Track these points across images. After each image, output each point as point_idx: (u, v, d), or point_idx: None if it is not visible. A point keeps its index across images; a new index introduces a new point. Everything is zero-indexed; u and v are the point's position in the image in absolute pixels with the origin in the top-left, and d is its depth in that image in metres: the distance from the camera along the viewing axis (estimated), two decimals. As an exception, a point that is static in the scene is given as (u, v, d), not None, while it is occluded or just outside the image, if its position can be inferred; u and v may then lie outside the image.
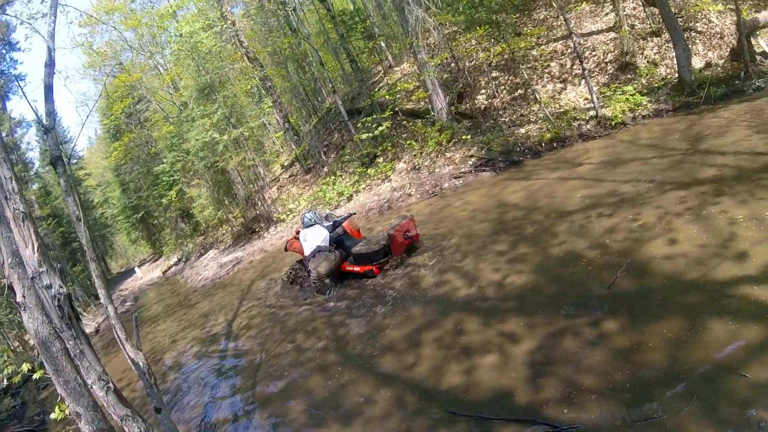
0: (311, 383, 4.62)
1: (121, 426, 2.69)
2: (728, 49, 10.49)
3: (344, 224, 7.96)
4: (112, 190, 33.50)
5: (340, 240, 7.67)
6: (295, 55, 19.73)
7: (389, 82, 17.12)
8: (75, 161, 32.27)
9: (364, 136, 14.46)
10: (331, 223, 7.90)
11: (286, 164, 21.85)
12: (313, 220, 7.76)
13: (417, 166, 12.75)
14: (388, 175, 13.46)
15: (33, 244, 2.57)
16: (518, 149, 10.72)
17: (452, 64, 14.78)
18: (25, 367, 4.52)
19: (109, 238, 36.00)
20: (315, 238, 7.56)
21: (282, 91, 20.81)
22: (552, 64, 13.00)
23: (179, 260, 23.12)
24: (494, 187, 9.01)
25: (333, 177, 15.86)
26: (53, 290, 2.57)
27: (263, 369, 5.48)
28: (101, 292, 3.57)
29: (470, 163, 11.24)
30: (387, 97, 15.23)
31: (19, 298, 2.52)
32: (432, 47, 13.76)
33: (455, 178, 10.97)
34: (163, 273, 24.25)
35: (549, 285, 4.46)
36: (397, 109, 14.58)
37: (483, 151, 11.35)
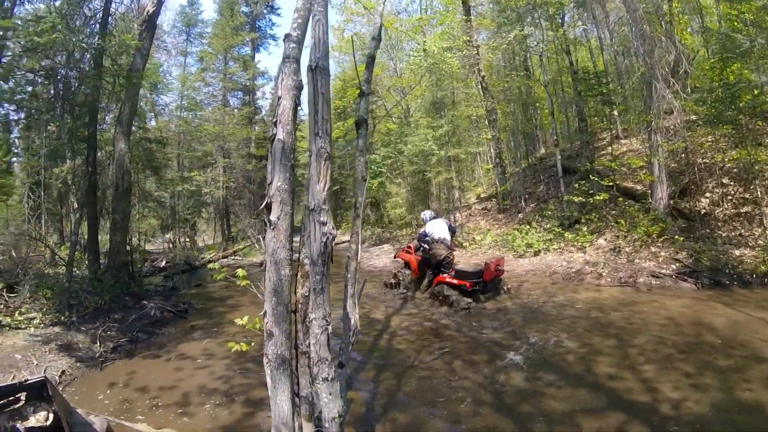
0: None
1: (311, 364, 2.87)
2: None
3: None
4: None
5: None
6: (524, 98, 20.12)
7: (614, 153, 16.27)
8: (298, 122, 36.95)
9: (577, 199, 14.14)
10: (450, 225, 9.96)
11: (482, 196, 22.20)
12: (434, 215, 10.16)
13: (617, 249, 12.03)
14: (585, 247, 12.96)
15: (325, 182, 2.78)
16: (728, 271, 9.67)
17: (682, 155, 13.64)
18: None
19: (299, 196, 40.68)
20: (441, 229, 9.57)
21: (502, 128, 20.82)
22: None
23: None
24: (695, 302, 8.35)
25: (527, 226, 15.77)
26: (326, 228, 2.72)
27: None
28: (353, 247, 3.76)
29: (674, 267, 10.37)
30: (608, 166, 14.57)
31: (273, 217, 2.67)
32: (668, 132, 12.88)
33: (653, 276, 10.20)
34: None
35: (724, 427, 4.16)
36: (613, 183, 13.92)
37: (691, 260, 10.40)
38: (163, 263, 15.09)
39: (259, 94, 28.22)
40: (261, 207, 2.79)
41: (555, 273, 11.57)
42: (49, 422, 2.21)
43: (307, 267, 2.91)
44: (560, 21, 17.01)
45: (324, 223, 2.83)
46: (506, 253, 14.46)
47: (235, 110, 24.60)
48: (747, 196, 11.58)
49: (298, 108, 2.93)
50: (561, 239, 13.74)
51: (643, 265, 10.78)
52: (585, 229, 13.61)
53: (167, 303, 9.49)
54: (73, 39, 8.29)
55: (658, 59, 12.19)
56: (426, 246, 9.49)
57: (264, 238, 2.82)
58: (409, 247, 10.72)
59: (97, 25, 10.01)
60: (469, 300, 8.68)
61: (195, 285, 12.65)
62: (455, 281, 8.86)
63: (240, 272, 3.55)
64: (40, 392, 2.22)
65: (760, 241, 10.23)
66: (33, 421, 2.20)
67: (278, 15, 29.04)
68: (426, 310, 8.89)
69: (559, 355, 6.12)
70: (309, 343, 2.93)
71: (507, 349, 6.50)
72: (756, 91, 11.13)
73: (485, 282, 8.76)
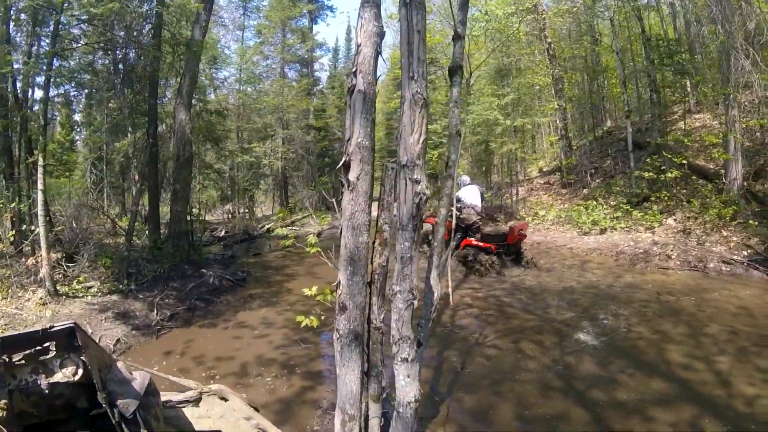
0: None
1: (392, 342, 2.60)
2: None
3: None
4: (378, 131, 37.52)
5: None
6: (593, 67, 18.94)
7: (686, 128, 15.21)
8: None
9: (647, 175, 13.23)
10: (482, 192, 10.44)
11: (544, 170, 21.28)
12: (470, 182, 10.53)
13: (687, 230, 11.36)
14: (653, 226, 12.30)
15: (420, 133, 2.44)
16: None
17: (757, 134, 12.73)
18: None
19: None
20: (473, 196, 10.01)
21: (568, 99, 19.69)
22: None
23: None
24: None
25: (593, 202, 15.05)
26: (419, 187, 2.42)
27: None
28: (442, 212, 3.40)
29: (745, 253, 9.69)
30: (681, 141, 13.47)
31: (351, 177, 2.40)
32: (747, 107, 12.04)
33: (724, 262, 9.54)
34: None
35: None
36: (685, 160, 12.76)
37: (763, 247, 9.67)
38: (223, 233, 15.46)
39: (317, 65, 28.27)
40: (338, 166, 2.52)
41: (621, 253, 10.94)
42: (77, 377, 1.90)
43: (386, 233, 2.63)
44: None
45: (417, 181, 2.49)
46: (570, 230, 14.04)
47: (294, 82, 24.67)
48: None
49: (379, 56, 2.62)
50: (628, 217, 13.06)
51: (714, 249, 10.18)
52: (655, 207, 12.81)
53: (226, 271, 9.56)
54: (130, 6, 8.24)
55: (738, 27, 11.18)
56: (457, 211, 9.60)
57: (338, 201, 2.57)
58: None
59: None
60: (494, 258, 9.36)
61: (253, 254, 12.82)
62: (481, 243, 9.49)
63: (311, 239, 3.33)
64: (69, 341, 1.85)
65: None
66: (59, 376, 1.89)
67: (334, -16, 28.47)
68: (489, 285, 8.60)
69: (630, 340, 5.77)
70: (384, 318, 2.68)
71: (576, 331, 6.14)
72: None
73: (509, 245, 9.42)
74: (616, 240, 12.09)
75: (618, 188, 15.11)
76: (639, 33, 16.51)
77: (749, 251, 9.66)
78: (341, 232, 2.49)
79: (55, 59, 7.61)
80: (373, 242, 2.64)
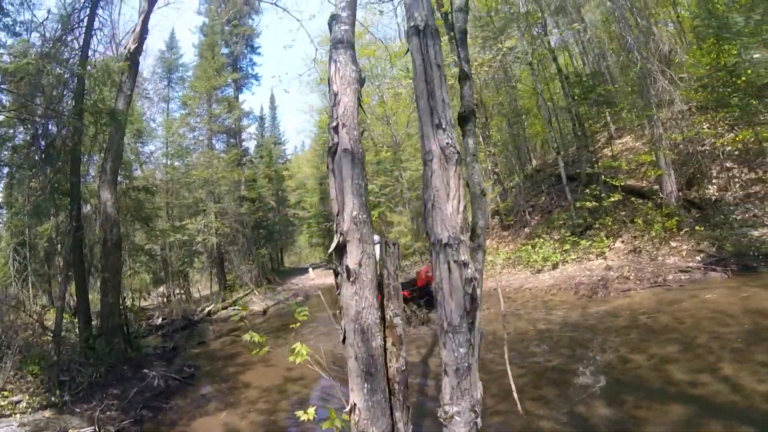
0: None
1: None
2: None
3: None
4: (310, 196, 36.97)
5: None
6: (515, 110, 19.91)
7: (612, 153, 16.06)
8: (282, 161, 36.24)
9: (589, 204, 13.58)
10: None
11: None
12: (379, 240, 10.86)
13: (637, 249, 11.62)
14: (604, 252, 12.42)
15: (459, 200, 1.92)
16: (752, 253, 9.29)
17: (681, 146, 13.44)
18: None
19: (292, 236, 39.70)
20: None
21: (494, 143, 20.50)
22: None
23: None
24: (732, 290, 7.92)
25: (538, 239, 15.14)
26: (469, 271, 1.88)
27: None
28: (477, 292, 2.89)
29: (698, 258, 10.02)
30: (614, 166, 14.25)
31: (350, 263, 1.88)
32: (666, 124, 12.88)
33: (681, 271, 9.78)
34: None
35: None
36: (618, 183, 13.48)
37: (713, 249, 10.07)
38: (160, 320, 13.91)
39: (244, 135, 27.72)
40: (330, 249, 1.98)
41: (580, 284, 10.89)
42: None
43: (398, 329, 2.09)
44: (542, 29, 16.79)
45: (465, 264, 1.95)
46: (522, 270, 13.91)
47: (222, 154, 23.88)
48: (753, 176, 11.34)
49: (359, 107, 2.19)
50: (577, 248, 13.18)
51: (667, 261, 10.45)
52: (601, 234, 13.03)
53: (170, 369, 8.43)
54: (47, 68, 7.41)
55: (653, 52, 12.11)
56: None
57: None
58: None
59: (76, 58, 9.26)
60: (414, 307, 9.65)
61: (197, 342, 11.45)
62: None
63: (298, 313, 2.73)
64: None
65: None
66: None
67: (259, 54, 28.90)
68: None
69: (630, 371, 5.57)
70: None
71: (572, 376, 5.80)
72: (749, 71, 10.89)
73: (419, 288, 9.74)
74: (570, 272, 12.07)
75: (560, 222, 15.38)
76: (555, 73, 17.66)
77: (702, 255, 9.98)
78: (344, 337, 1.93)
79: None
80: (384, 343, 2.07)
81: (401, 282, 9.17)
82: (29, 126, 9.17)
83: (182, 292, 19.73)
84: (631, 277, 10.24)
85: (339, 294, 1.93)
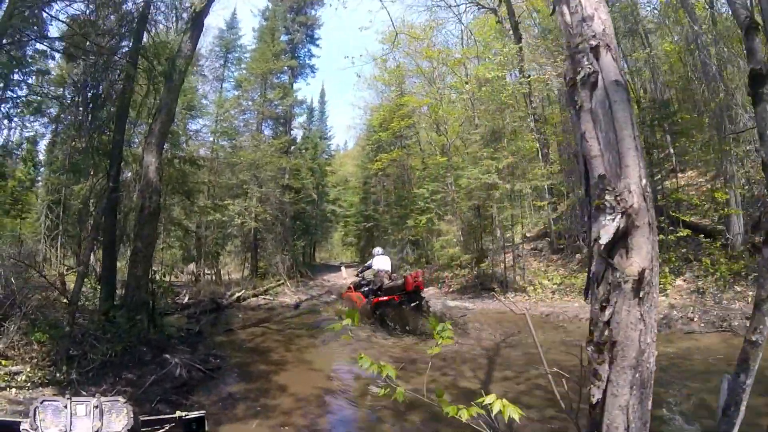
0: None
1: None
2: None
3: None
4: (351, 195, 36.18)
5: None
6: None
7: (673, 186, 14.82)
8: (326, 156, 35.55)
9: (660, 237, 11.98)
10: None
11: (527, 235, 20.01)
12: (382, 252, 12.06)
13: (700, 290, 11.06)
14: (666, 289, 11.63)
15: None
16: None
17: (747, 185, 12.68)
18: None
19: (327, 232, 39.00)
20: (384, 263, 11.48)
21: (554, 161, 19.29)
22: None
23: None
24: None
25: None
26: None
27: None
28: None
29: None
30: (686, 200, 13.67)
31: (637, 266, 0.95)
32: (744, 161, 12.27)
33: (747, 318, 8.10)
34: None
35: None
36: (686, 219, 12.89)
37: None
38: (187, 298, 13.14)
39: (294, 123, 27.26)
40: (605, 240, 1.02)
41: None
42: None
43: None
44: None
45: None
46: (576, 298, 12.98)
47: (271, 139, 23.40)
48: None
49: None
50: None
51: (732, 306, 9.93)
52: (666, 269, 12.02)
53: (194, 357, 7.31)
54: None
55: (739, 85, 11.36)
56: (370, 275, 11.42)
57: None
58: (349, 287, 12.36)
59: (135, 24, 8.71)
60: (400, 311, 10.18)
61: (225, 330, 10.42)
62: (385, 297, 10.41)
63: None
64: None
65: None
66: None
67: (317, 46, 28.19)
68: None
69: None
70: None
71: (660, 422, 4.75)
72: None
73: (408, 292, 10.03)
74: None
75: None
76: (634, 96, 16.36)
77: None
78: (603, 397, 0.95)
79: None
80: None
81: (390, 286, 10.55)
82: (79, 77, 8.65)
83: (213, 272, 19.07)
84: (695, 319, 9.72)
85: (602, 317, 0.94)
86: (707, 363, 6.86)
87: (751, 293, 9.69)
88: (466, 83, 19.25)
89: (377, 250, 12.22)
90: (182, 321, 10.64)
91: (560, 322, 11.14)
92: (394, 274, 11.48)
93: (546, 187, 18.89)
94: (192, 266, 19.77)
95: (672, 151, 16.52)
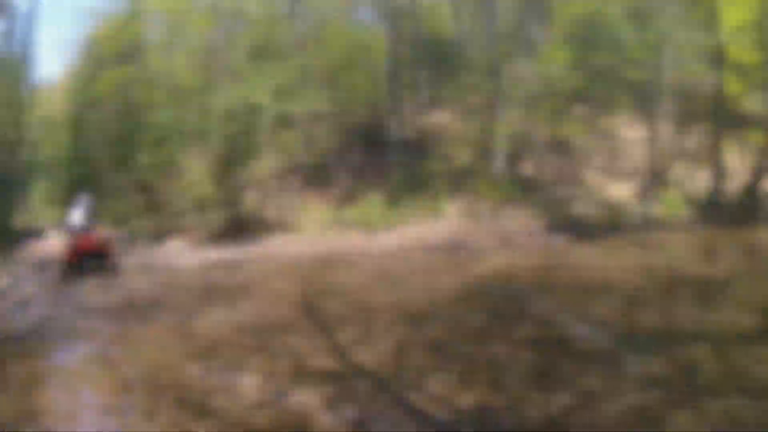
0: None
1: None
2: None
3: None
4: (60, 135, 26.71)
5: None
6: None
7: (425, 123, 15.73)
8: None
9: (435, 168, 13.75)
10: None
11: (271, 168, 17.26)
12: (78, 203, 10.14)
13: (475, 214, 11.97)
14: (440, 214, 12.31)
15: None
16: (583, 223, 10.78)
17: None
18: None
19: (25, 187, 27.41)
20: (74, 215, 9.73)
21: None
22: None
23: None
24: (604, 250, 8.32)
25: (362, 200, 13.88)
26: None
27: None
28: None
29: (536, 225, 11.12)
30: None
31: None
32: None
33: (529, 235, 10.45)
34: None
35: None
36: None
37: (549, 218, 11.32)
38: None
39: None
40: None
41: (435, 246, 9.77)
42: None
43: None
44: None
45: None
46: (348, 233, 12.18)
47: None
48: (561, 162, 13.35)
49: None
50: (407, 210, 12.49)
51: (511, 227, 10.85)
52: (439, 195, 12.86)
53: None
54: None
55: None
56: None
57: None
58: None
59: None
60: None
61: None
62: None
63: None
64: None
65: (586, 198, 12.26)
66: None
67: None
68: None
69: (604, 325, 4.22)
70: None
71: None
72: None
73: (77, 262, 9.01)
74: (414, 235, 11.02)
75: (378, 183, 14.11)
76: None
77: (542, 222, 11.20)
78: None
79: None
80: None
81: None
82: None
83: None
84: (482, 239, 10.07)
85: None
86: (536, 277, 6.40)
87: (521, 215, 11.51)
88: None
89: (78, 199, 10.35)
90: None
91: (349, 259, 9.27)
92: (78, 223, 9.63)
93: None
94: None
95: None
